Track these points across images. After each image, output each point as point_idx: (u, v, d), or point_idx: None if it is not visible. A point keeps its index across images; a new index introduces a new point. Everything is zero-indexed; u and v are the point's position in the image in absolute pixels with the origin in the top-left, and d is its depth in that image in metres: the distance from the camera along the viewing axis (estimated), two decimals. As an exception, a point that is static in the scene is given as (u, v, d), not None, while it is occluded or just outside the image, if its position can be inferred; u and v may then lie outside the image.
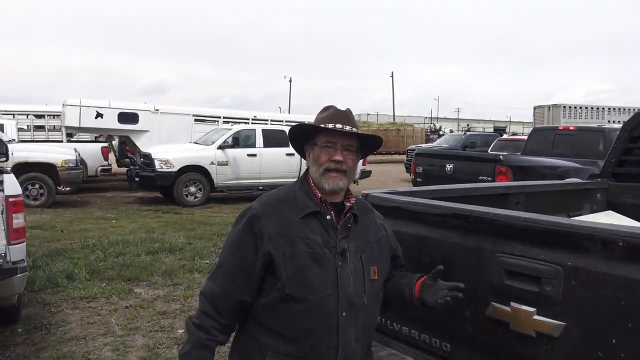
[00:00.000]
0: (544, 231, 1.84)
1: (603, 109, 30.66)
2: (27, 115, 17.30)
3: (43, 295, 5.45)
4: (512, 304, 1.89)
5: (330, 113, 1.91)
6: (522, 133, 33.70)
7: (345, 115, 1.91)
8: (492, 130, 33.67)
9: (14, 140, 12.41)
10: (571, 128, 9.76)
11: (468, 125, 56.65)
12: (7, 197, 3.89)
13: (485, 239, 2.02)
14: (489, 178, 7.38)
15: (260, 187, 12.63)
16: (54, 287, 5.72)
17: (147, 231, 8.97)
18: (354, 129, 1.89)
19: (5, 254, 3.85)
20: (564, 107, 28.84)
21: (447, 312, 2.13)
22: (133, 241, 7.94)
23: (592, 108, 30.52)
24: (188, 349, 1.85)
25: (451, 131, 43.66)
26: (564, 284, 1.76)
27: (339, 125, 1.87)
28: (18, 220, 3.97)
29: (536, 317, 1.83)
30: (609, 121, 27.94)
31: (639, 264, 1.62)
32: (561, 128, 10.07)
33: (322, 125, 1.88)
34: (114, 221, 10.08)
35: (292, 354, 1.82)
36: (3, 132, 12.00)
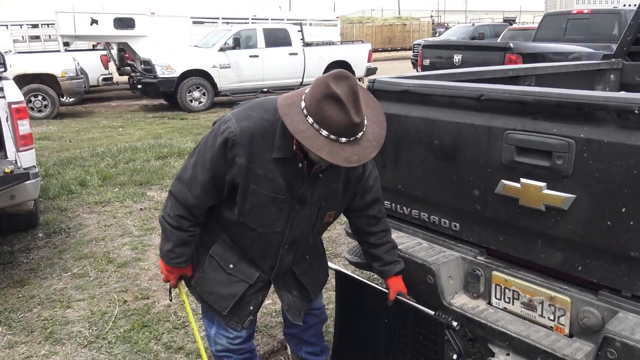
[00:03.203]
0: (556, 105, 1.79)
1: (620, -9, 29.08)
2: (21, 25, 16.79)
3: (59, 202, 5.57)
4: (522, 180, 1.89)
5: (344, 123, 1.61)
6: (533, 22, 32.39)
7: (357, 126, 1.65)
8: (501, 20, 32.28)
9: (10, 51, 12.14)
10: (585, 12, 9.32)
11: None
12: (10, 103, 3.84)
13: (495, 117, 1.98)
14: (499, 67, 7.17)
15: (265, 90, 12.45)
16: (68, 193, 5.83)
17: (154, 137, 8.99)
18: (362, 157, 1.67)
19: (16, 160, 3.87)
20: (578, -9, 27.39)
21: (456, 193, 2.15)
22: (141, 147, 7.98)
23: (608, -8, 28.95)
24: (170, 247, 1.99)
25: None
26: (576, 157, 1.74)
27: (355, 158, 1.65)
28: (24, 127, 3.94)
29: (546, 191, 1.83)
30: (624, 5, 26.67)
31: (654, 131, 1.59)
32: (574, 12, 9.62)
33: (332, 141, 1.64)
34: (120, 129, 10.08)
35: (237, 252, 2.06)
36: (-2, 43, 11.71)
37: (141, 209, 5.37)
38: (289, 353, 2.66)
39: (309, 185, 1.90)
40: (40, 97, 11.12)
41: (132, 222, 5.02)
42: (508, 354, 2.03)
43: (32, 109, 10.95)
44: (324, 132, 1.62)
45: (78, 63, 11.76)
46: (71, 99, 12.27)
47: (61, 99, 11.59)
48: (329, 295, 3.22)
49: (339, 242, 4.43)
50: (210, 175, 1.85)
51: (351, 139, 1.65)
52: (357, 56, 13.78)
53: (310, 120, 1.64)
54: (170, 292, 2.40)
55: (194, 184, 1.88)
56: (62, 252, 4.36)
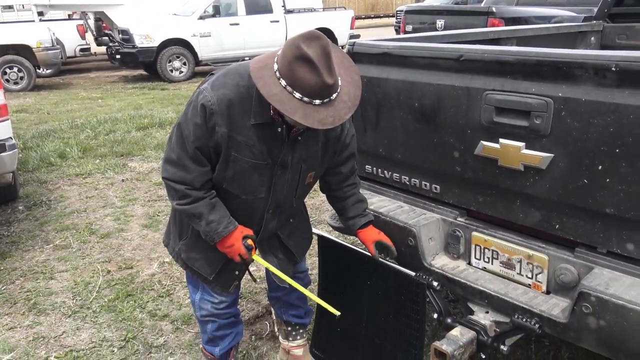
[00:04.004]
0: (535, 63, 1.78)
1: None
2: (-8, -6, 16.27)
3: (38, 174, 5.50)
4: (501, 140, 1.89)
5: (316, 85, 1.59)
6: (516, -13, 32.08)
7: (331, 87, 1.62)
8: (485, -14, 31.91)
9: (-18, 22, 11.76)
10: (568, -25, 9.24)
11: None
12: (-18, 73, 3.74)
13: (475, 78, 1.97)
14: (481, 32, 7.13)
15: (247, 58, 12.24)
16: (48, 166, 5.75)
17: (134, 108, 8.85)
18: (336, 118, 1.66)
19: (-9, 132, 3.80)
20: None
21: (436, 155, 2.16)
22: (122, 118, 7.86)
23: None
24: (206, 220, 1.90)
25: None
26: (554, 116, 1.74)
27: (330, 120, 1.64)
28: (-2, 97, 3.85)
29: (525, 151, 1.83)
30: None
31: (631, 89, 1.59)
32: (557, -25, 9.53)
33: (307, 103, 1.63)
34: (100, 100, 9.91)
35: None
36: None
37: (123, 180, 5.32)
38: (274, 317, 2.69)
39: (288, 149, 1.89)
40: (15, 69, 10.86)
41: (114, 194, 4.97)
42: (487, 312, 2.07)
43: (7, 81, 10.71)
44: (297, 95, 1.60)
45: (54, 33, 11.45)
46: (48, 71, 12.03)
47: (38, 70, 11.35)
48: (312, 261, 3.25)
49: (322, 210, 4.44)
50: (196, 145, 1.82)
51: (325, 100, 1.63)
52: (340, 23, 13.60)
53: (283, 82, 1.61)
54: (250, 274, 2.20)
55: (184, 159, 1.84)
56: (43, 224, 4.32)
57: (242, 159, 1.85)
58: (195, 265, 2.10)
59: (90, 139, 6.84)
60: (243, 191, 1.94)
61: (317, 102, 1.62)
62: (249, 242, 1.98)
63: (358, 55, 2.42)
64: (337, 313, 2.03)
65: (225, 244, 1.95)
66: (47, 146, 6.37)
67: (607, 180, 1.68)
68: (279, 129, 1.84)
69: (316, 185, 2.37)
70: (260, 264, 2.24)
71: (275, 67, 1.64)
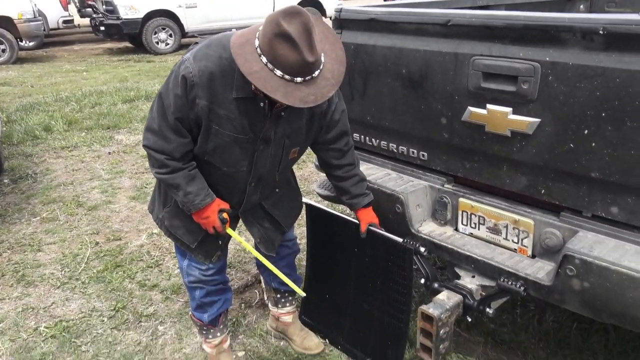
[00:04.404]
0: (522, 27, 1.78)
1: None
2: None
3: (23, 148, 5.43)
4: (489, 106, 1.89)
5: (297, 62, 1.55)
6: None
7: (312, 65, 1.58)
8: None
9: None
10: (558, -56, 9.14)
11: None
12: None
13: (462, 43, 1.95)
14: (470, 2, 7.06)
15: (234, 30, 12.05)
16: (32, 139, 5.68)
17: (120, 81, 8.73)
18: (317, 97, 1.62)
19: (-27, 103, 3.73)
20: None
21: (424, 122, 2.15)
22: (107, 91, 7.75)
23: None
24: (184, 191, 1.89)
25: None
26: (541, 81, 1.74)
27: (311, 98, 1.61)
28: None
29: (512, 116, 1.83)
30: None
31: (618, 52, 1.59)
32: (547, -56, 9.43)
33: (288, 81, 1.59)
34: (84, 73, 9.75)
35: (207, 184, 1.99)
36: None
37: (110, 153, 5.27)
38: (263, 285, 2.71)
39: (271, 124, 1.87)
40: (-3, 42, 10.63)
41: (100, 166, 4.93)
42: (473, 276, 2.10)
43: (-11, 54, 10.50)
44: (278, 72, 1.57)
45: (35, 4, 11.18)
46: (31, 43, 11.76)
47: (20, 43, 11.10)
48: (302, 231, 3.26)
49: (310, 180, 4.44)
50: (176, 117, 1.79)
51: (307, 78, 1.59)
52: (329, -6, 13.40)
53: (264, 59, 1.57)
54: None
55: (165, 129, 1.82)
56: (29, 197, 4.28)
57: (223, 133, 1.82)
58: (177, 233, 2.10)
59: (75, 111, 6.75)
60: (224, 164, 1.93)
61: (299, 79, 1.59)
62: (224, 215, 1.99)
63: (345, 22, 2.39)
64: (303, 294, 2.22)
65: (201, 216, 1.96)
66: (32, 119, 6.28)
67: (593, 144, 1.69)
68: (261, 104, 1.81)
69: (304, 156, 2.36)
70: (251, 236, 2.24)
71: (257, 43, 1.60)
